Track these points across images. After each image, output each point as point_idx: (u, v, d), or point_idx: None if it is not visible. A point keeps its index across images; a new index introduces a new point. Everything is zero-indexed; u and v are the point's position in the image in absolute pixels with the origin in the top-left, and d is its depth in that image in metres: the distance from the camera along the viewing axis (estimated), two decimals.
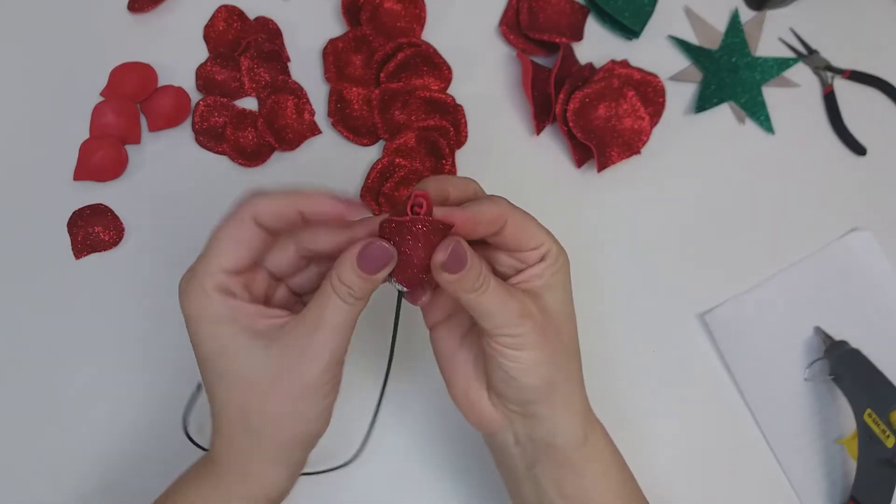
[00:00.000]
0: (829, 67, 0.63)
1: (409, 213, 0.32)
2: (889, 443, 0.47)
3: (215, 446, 0.35)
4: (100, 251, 0.54)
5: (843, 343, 0.53)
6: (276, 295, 0.37)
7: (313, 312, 0.33)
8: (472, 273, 0.32)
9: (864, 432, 0.49)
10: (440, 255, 0.32)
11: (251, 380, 0.33)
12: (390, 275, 0.33)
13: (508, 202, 0.36)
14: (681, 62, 0.62)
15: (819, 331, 0.55)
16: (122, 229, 0.54)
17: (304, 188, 0.34)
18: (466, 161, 0.57)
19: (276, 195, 0.34)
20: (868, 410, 0.49)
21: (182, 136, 0.57)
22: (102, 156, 0.55)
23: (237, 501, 0.34)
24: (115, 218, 0.54)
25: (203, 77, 0.58)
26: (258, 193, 0.34)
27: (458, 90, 0.59)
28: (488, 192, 0.56)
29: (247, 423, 0.33)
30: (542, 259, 0.36)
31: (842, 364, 0.52)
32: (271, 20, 0.60)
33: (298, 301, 0.38)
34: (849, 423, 0.52)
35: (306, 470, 0.37)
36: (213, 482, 0.35)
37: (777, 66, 0.62)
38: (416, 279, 0.33)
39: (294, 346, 0.32)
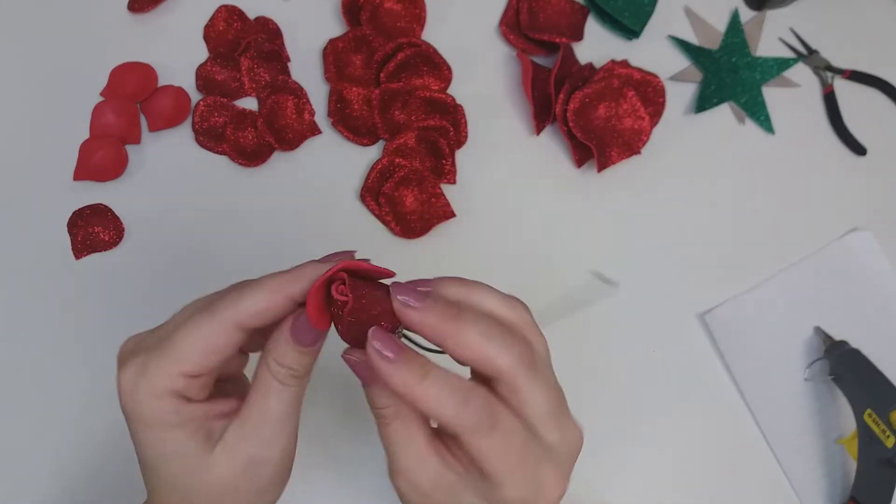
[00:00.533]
0: (830, 67, 0.63)
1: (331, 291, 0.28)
2: (889, 443, 0.47)
3: None
4: (100, 251, 0.54)
5: (843, 343, 0.53)
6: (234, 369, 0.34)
7: (255, 407, 0.30)
8: (377, 397, 0.29)
9: (864, 432, 0.49)
10: (369, 346, 0.27)
11: (201, 489, 0.30)
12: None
13: (533, 360, 0.28)
14: (681, 62, 0.62)
15: (819, 331, 0.55)
16: (122, 229, 0.54)
17: (289, 270, 0.29)
18: (466, 161, 0.57)
19: (262, 287, 0.29)
20: (868, 410, 0.49)
21: (182, 136, 0.57)
22: (102, 156, 0.55)
23: None
24: (115, 218, 0.54)
25: (203, 77, 0.58)
26: (243, 289, 0.29)
27: (458, 90, 0.59)
28: (486, 192, 0.57)
29: None
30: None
31: (842, 364, 0.52)
32: (271, 20, 0.60)
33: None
34: (849, 423, 0.52)
35: None
36: None
37: (777, 66, 0.62)
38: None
39: (244, 451, 0.30)
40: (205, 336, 0.29)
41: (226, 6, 0.59)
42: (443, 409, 0.27)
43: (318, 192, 0.56)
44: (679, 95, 0.61)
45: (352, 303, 0.27)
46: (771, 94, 0.62)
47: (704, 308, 0.56)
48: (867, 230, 0.58)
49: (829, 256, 0.58)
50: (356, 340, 0.28)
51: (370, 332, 0.27)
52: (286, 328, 0.29)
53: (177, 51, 0.58)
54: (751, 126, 0.61)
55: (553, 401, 0.29)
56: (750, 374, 0.54)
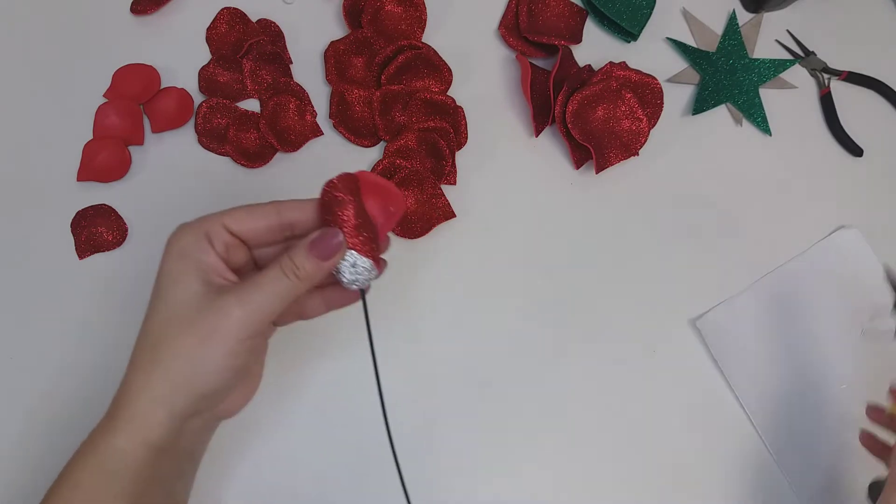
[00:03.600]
0: (826, 69, 0.64)
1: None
2: None
3: (121, 384, 0.36)
4: (103, 251, 0.54)
5: None
6: (245, 277, 0.40)
7: (253, 276, 0.36)
8: None
9: None
10: None
11: (175, 312, 0.35)
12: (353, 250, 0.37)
13: None
14: (678, 64, 0.63)
15: (891, 271, 0.51)
16: (126, 229, 0.54)
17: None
18: (466, 163, 0.58)
19: (306, 202, 0.38)
20: None
21: (185, 138, 0.57)
22: (106, 157, 0.55)
23: (120, 438, 0.35)
24: (119, 218, 0.54)
25: (205, 79, 0.58)
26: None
27: (458, 92, 0.59)
28: (486, 193, 0.58)
29: (153, 355, 0.35)
30: None
31: None
32: (273, 22, 0.60)
33: None
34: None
35: None
36: (107, 421, 0.36)
37: (774, 68, 0.63)
38: (362, 238, 0.37)
39: (224, 296, 0.35)
40: (252, 206, 0.38)
41: (228, 8, 0.60)
42: None
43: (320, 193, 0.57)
44: (677, 97, 0.62)
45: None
46: (768, 96, 0.62)
47: (697, 313, 0.56)
48: (853, 227, 0.59)
49: (816, 255, 0.58)
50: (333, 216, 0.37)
51: None
52: (310, 236, 0.36)
53: (179, 53, 0.59)
54: (748, 127, 0.62)
55: None
56: (743, 377, 0.54)
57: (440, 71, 0.58)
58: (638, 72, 0.58)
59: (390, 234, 0.41)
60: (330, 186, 0.37)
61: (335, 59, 0.59)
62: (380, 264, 0.38)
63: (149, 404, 0.35)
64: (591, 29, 0.63)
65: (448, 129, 0.56)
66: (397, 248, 0.55)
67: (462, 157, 0.58)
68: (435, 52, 0.58)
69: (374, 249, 0.38)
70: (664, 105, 0.59)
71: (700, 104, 0.61)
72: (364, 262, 0.37)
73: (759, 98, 0.62)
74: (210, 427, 0.39)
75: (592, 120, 0.58)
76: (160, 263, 0.37)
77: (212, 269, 0.36)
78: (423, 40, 0.60)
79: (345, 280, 0.38)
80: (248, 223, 0.38)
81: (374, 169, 0.56)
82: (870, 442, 0.48)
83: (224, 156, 0.57)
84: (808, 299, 0.57)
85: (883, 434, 0.48)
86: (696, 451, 0.53)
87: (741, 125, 0.62)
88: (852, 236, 0.58)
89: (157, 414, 0.35)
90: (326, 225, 0.37)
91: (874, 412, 0.48)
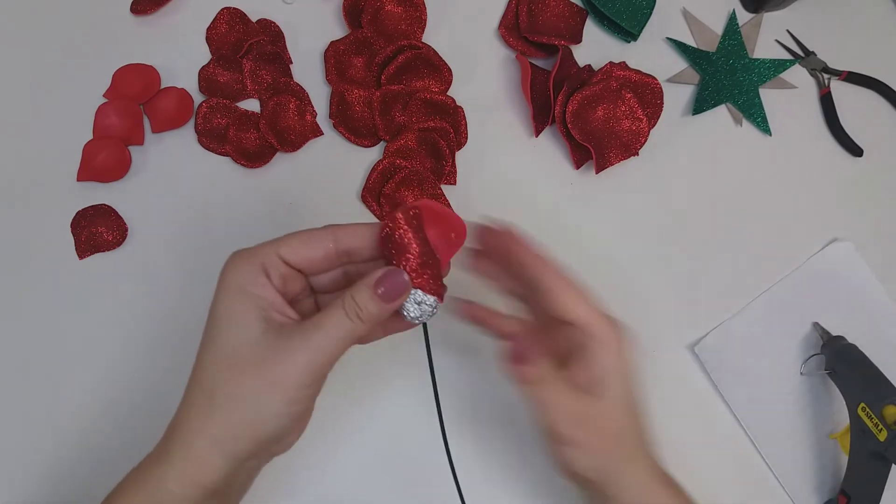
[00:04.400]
0: (826, 69, 0.64)
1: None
2: (881, 436, 0.47)
3: (173, 420, 0.35)
4: (103, 251, 0.54)
5: (839, 338, 0.53)
6: (302, 304, 0.38)
7: (316, 318, 0.34)
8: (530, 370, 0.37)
9: (856, 426, 0.49)
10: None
11: (236, 353, 0.33)
12: (414, 286, 0.35)
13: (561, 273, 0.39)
14: (678, 64, 0.63)
15: (817, 326, 0.55)
16: (126, 229, 0.54)
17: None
18: (466, 162, 0.58)
19: (359, 224, 0.36)
20: (862, 404, 0.49)
21: (185, 138, 0.57)
22: (106, 157, 0.55)
23: (171, 479, 0.34)
24: (119, 218, 0.54)
25: (205, 79, 0.58)
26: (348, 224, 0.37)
27: (459, 92, 0.59)
28: (486, 193, 0.58)
29: (211, 396, 0.34)
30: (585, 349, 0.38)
31: (837, 358, 0.52)
32: (273, 22, 0.60)
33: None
34: (841, 426, 0.53)
35: None
36: (157, 458, 0.35)
37: (774, 68, 0.63)
38: (427, 277, 0.35)
39: (286, 338, 0.33)
40: (308, 234, 0.36)
41: (228, 8, 0.60)
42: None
43: (320, 193, 0.57)
44: (677, 97, 0.62)
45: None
46: (768, 96, 0.62)
47: (694, 336, 0.56)
48: (847, 241, 0.58)
49: (809, 271, 0.58)
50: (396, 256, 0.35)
51: None
52: (373, 275, 0.34)
53: (179, 53, 0.59)
54: (748, 127, 0.62)
55: None
56: (743, 399, 0.54)
57: (440, 71, 0.58)
58: (638, 72, 0.58)
59: None
60: (392, 221, 0.35)
61: (335, 59, 0.59)
62: (442, 294, 0.37)
63: (206, 448, 0.33)
64: (591, 29, 0.63)
65: (448, 129, 0.56)
66: None
67: (462, 157, 0.58)
68: (435, 52, 0.58)
69: (439, 286, 0.36)
70: (664, 105, 0.59)
71: (700, 104, 0.61)
72: (429, 300, 0.35)
73: (759, 98, 0.62)
74: (262, 465, 0.39)
75: (592, 120, 0.58)
76: (215, 296, 0.35)
77: (271, 306, 0.35)
78: (423, 40, 0.60)
79: (409, 317, 0.36)
80: (305, 253, 0.36)
81: (374, 169, 0.56)
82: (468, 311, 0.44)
83: (224, 156, 0.57)
84: (801, 316, 0.56)
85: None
86: (700, 474, 0.53)
87: (741, 125, 0.62)
88: (845, 249, 0.58)
89: (213, 458, 0.33)
90: (387, 257, 0.35)
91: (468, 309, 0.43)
